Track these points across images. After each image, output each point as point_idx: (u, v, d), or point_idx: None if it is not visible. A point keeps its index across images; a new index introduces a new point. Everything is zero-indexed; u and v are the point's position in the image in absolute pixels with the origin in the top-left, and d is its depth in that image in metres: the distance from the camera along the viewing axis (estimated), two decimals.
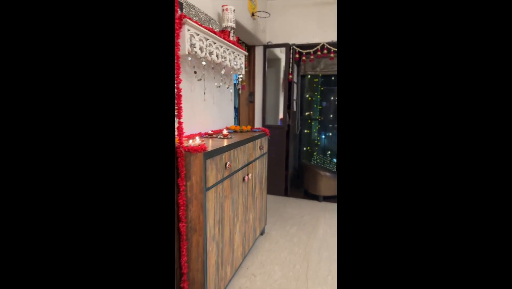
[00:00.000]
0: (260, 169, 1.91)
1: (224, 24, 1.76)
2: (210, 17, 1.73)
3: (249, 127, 2.04)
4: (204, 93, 1.70)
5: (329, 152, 3.61)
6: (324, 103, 3.53)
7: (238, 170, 1.48)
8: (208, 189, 1.15)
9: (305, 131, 3.75)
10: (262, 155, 1.93)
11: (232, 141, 1.44)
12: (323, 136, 3.60)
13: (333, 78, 3.52)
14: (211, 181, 1.17)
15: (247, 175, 1.62)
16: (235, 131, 1.98)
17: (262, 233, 2.20)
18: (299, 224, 2.43)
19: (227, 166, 1.30)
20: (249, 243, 1.79)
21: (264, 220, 2.15)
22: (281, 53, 3.09)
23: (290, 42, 2.84)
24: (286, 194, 3.14)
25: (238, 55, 1.83)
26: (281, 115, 3.15)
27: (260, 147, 1.86)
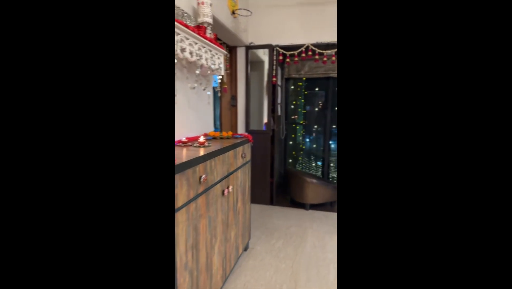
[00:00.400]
0: (242, 179, 1.73)
1: (199, 20, 1.58)
2: (183, 10, 1.55)
3: (230, 133, 1.86)
4: (175, 95, 1.51)
5: (313, 156, 3.52)
6: (308, 108, 3.49)
7: (216, 183, 1.29)
8: (177, 210, 0.95)
9: (292, 136, 3.63)
10: (244, 164, 1.76)
11: (209, 150, 1.26)
12: (307, 140, 3.56)
13: (317, 81, 3.42)
14: (180, 200, 0.97)
15: (227, 188, 1.44)
16: (214, 138, 1.79)
17: (245, 249, 2.01)
18: (285, 236, 2.27)
19: (201, 180, 1.11)
20: (230, 264, 1.59)
21: (248, 235, 1.96)
22: (264, 55, 2.96)
23: (274, 43, 2.71)
24: (271, 202, 2.97)
25: (216, 54, 1.65)
26: (265, 120, 2.99)
27: (242, 155, 1.69)
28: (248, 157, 1.86)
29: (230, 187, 1.47)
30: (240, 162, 1.66)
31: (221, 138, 1.79)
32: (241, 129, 2.95)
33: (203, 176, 1.12)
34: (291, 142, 3.64)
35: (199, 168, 1.10)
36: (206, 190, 1.18)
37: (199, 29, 1.51)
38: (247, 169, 1.84)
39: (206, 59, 1.52)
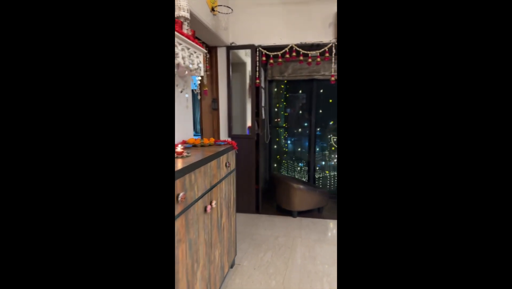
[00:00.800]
0: (227, 190, 1.57)
1: (175, 13, 1.41)
2: None
3: (212, 140, 1.69)
4: None
5: (297, 160, 3.45)
6: (288, 110, 3.45)
7: (197, 200, 1.12)
8: None
9: (276, 139, 3.53)
10: (229, 173, 1.59)
11: (189, 161, 1.09)
12: (290, 143, 3.52)
13: (300, 83, 3.35)
14: None
15: (210, 203, 1.27)
16: (194, 145, 1.62)
17: (231, 266, 1.84)
18: (273, 247, 2.12)
19: (179, 199, 0.94)
20: (215, 287, 1.42)
21: (234, 250, 1.79)
22: (246, 57, 2.82)
23: (256, 43, 2.58)
24: (257, 210, 2.82)
25: (195, 52, 1.48)
26: (249, 124, 2.85)
27: (226, 164, 1.53)
28: (233, 166, 1.70)
29: (214, 202, 1.30)
30: (224, 172, 1.50)
31: (202, 146, 1.62)
32: (223, 134, 2.78)
33: (181, 194, 0.95)
34: (275, 146, 3.55)
35: (176, 184, 0.93)
36: (185, 210, 1.01)
37: (175, 23, 1.33)
38: (232, 178, 1.68)
39: (183, 58, 1.35)
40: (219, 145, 1.68)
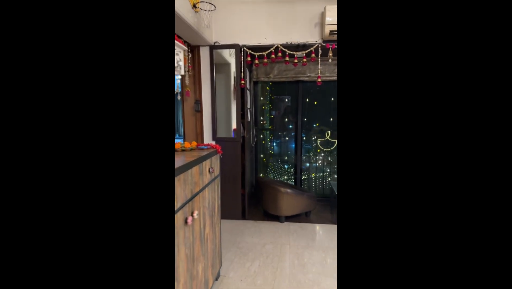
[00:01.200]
0: (211, 198, 1.45)
1: None
2: None
3: (194, 144, 1.58)
4: None
5: (284, 162, 3.40)
6: (274, 112, 3.42)
7: (176, 211, 1.00)
8: None
9: (262, 142, 3.46)
10: (213, 180, 1.48)
11: None
12: (275, 144, 3.49)
13: (285, 85, 3.30)
14: None
15: (192, 214, 1.15)
16: (174, 150, 1.49)
17: (217, 278, 1.72)
18: (261, 256, 2.02)
19: None
20: None
21: (219, 262, 1.68)
22: (230, 57, 2.72)
23: (241, 43, 2.49)
24: (243, 216, 2.71)
25: (175, 49, 1.37)
26: (234, 126, 2.74)
27: (210, 169, 1.41)
28: (217, 171, 1.59)
29: (195, 213, 1.18)
30: (207, 178, 1.38)
31: (183, 150, 1.49)
32: (207, 137, 2.66)
33: None
34: (261, 149, 3.48)
35: None
36: None
37: None
38: (216, 185, 1.57)
39: None
40: (202, 149, 1.56)
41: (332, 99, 3.20)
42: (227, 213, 2.67)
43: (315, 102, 3.23)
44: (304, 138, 3.32)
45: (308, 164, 3.36)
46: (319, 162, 3.33)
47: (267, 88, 3.41)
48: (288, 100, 3.36)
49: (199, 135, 2.66)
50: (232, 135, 2.74)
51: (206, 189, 1.38)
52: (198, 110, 2.64)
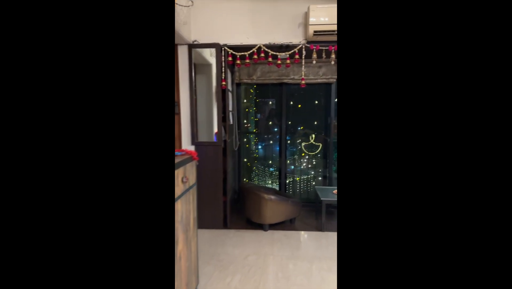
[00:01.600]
0: (184, 211, 1.31)
1: None
2: None
3: None
4: None
5: (265, 163, 3.34)
6: (259, 115, 3.34)
7: None
8: None
9: (246, 146, 3.34)
10: (187, 190, 1.34)
11: None
12: (260, 148, 3.40)
13: (269, 87, 3.20)
14: None
15: None
16: None
17: None
18: (242, 269, 1.89)
19: None
20: None
21: (195, 279, 1.53)
22: (211, 57, 2.58)
23: (221, 42, 2.36)
24: (225, 225, 2.57)
25: None
26: (216, 130, 2.60)
27: (183, 179, 1.27)
28: (193, 180, 1.44)
29: None
30: (179, 189, 1.24)
31: None
32: (186, 141, 2.50)
33: None
34: (245, 153, 3.36)
35: None
36: None
37: None
38: (191, 195, 1.42)
39: None
40: (175, 156, 1.41)
41: (316, 102, 3.14)
42: (207, 222, 2.51)
43: (299, 106, 3.16)
44: (289, 141, 3.24)
45: (293, 167, 3.29)
46: (304, 164, 3.26)
47: (251, 90, 3.31)
48: (272, 103, 3.28)
49: (177, 139, 2.49)
50: (214, 139, 2.60)
51: (179, 201, 1.23)
52: (176, 113, 2.47)
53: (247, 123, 3.35)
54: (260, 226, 2.54)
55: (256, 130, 3.38)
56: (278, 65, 2.37)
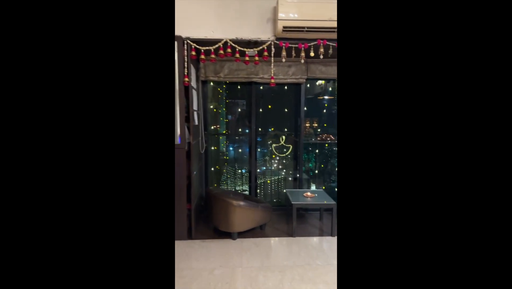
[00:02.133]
0: None
1: None
2: None
3: None
4: None
5: (236, 165, 3.20)
6: (229, 116, 3.19)
7: None
8: None
9: (213, 148, 3.13)
10: None
11: None
12: (231, 149, 3.25)
13: (239, 86, 3.05)
14: None
15: None
16: None
17: None
18: (208, 286, 1.70)
19: None
20: None
21: None
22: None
23: (184, 35, 2.15)
24: (189, 236, 2.34)
25: None
26: (179, 131, 2.37)
27: None
28: None
29: None
30: None
31: None
32: None
33: None
34: (213, 156, 3.16)
35: None
36: None
37: None
38: None
39: None
40: None
41: (286, 103, 3.06)
42: None
43: (269, 106, 3.06)
44: (260, 142, 3.12)
45: (264, 168, 3.18)
46: (274, 166, 3.16)
47: (220, 90, 3.13)
48: (243, 104, 3.14)
49: None
50: (178, 141, 2.36)
51: None
52: None
53: (216, 125, 3.16)
54: (228, 235, 2.36)
55: (226, 132, 3.20)
56: (246, 62, 2.22)
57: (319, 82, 3.25)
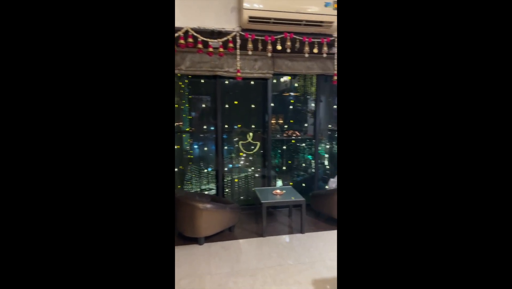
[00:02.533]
0: None
1: None
2: None
3: None
4: None
5: (202, 163, 3.05)
6: (193, 113, 3.03)
7: None
8: None
9: (177, 147, 2.91)
10: None
11: None
12: (196, 147, 3.09)
13: (202, 81, 2.87)
14: None
15: None
16: None
17: None
18: None
19: None
20: None
21: None
22: None
23: None
24: None
25: None
26: None
27: None
28: None
29: None
30: None
31: None
32: None
33: None
34: (176, 155, 2.93)
35: None
36: None
37: None
38: None
39: None
40: None
41: (253, 99, 2.97)
42: None
43: (236, 102, 2.93)
44: (226, 139, 2.99)
45: (231, 166, 3.05)
46: (241, 163, 3.07)
47: (182, 85, 2.91)
48: (208, 100, 2.97)
49: None
50: None
51: None
52: None
53: (179, 121, 2.94)
54: (194, 240, 2.20)
55: (190, 130, 3.00)
56: (209, 53, 2.06)
57: (284, 78, 3.22)
